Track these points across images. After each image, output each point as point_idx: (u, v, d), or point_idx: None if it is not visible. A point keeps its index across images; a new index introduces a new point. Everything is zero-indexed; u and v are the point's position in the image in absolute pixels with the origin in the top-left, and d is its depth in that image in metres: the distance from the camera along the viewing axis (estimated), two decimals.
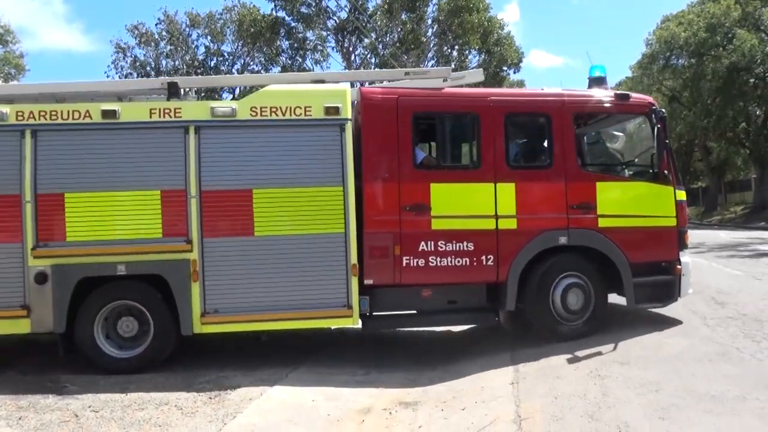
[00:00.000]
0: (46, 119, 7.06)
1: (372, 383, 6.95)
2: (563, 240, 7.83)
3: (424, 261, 7.55)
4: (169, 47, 36.47)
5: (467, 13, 31.49)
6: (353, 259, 7.29)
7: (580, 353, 7.27)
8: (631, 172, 8.79)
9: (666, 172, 8.09)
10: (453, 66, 34.70)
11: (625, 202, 8.03)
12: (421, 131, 8.17)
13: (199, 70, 36.57)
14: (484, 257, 7.67)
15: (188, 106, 7.36)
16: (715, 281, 11.46)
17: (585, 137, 9.02)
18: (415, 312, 7.88)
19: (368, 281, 7.45)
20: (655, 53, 39.02)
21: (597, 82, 8.70)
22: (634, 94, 8.59)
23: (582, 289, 7.88)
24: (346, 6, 33.65)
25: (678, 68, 38.21)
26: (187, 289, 7.12)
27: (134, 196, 7.08)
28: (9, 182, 6.96)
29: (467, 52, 34.66)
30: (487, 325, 8.83)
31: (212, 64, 37.18)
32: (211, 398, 6.41)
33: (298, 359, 7.80)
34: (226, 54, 37.36)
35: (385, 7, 32.66)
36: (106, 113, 7.10)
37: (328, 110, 7.40)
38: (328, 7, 33.97)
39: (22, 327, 6.95)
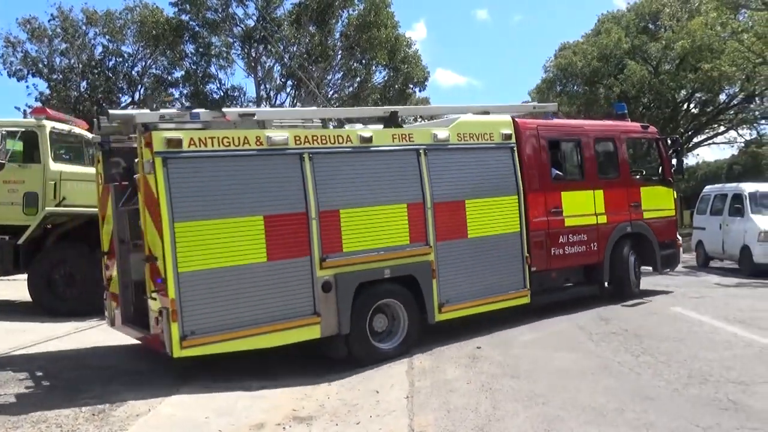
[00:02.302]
0: (318, 143, 7.97)
1: (266, 397, 6.85)
2: (629, 229, 11.43)
3: (561, 250, 10.40)
4: (64, 45, 34.75)
5: (375, 29, 31.80)
6: (526, 251, 9.71)
7: (474, 368, 7.49)
8: (653, 179, 12.39)
9: (670, 178, 12.29)
10: (359, 79, 35.01)
11: (653, 201, 11.87)
12: (551, 153, 10.60)
13: (95, 70, 35.06)
14: (591, 245, 10.83)
15: (417, 132, 8.95)
16: (605, 304, 12.07)
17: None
18: (546, 288, 10.29)
19: (533, 268, 9.85)
20: (552, 79, 40.92)
21: (621, 117, 12.53)
22: (649, 126, 12.70)
23: (639, 261, 11.83)
24: (253, 14, 33.31)
25: (573, 94, 40.21)
26: (430, 285, 8.66)
27: (389, 210, 8.39)
28: (296, 201, 7.72)
29: (374, 67, 35.01)
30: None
31: (110, 65, 35.75)
32: (94, 415, 6.12)
33: (190, 372, 7.58)
34: (126, 55, 36.01)
35: (293, 17, 32.55)
36: (363, 139, 8.31)
37: (504, 136, 9.70)
38: (235, 14, 33.51)
39: (314, 333, 7.73)
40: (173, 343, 6.83)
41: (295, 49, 33.79)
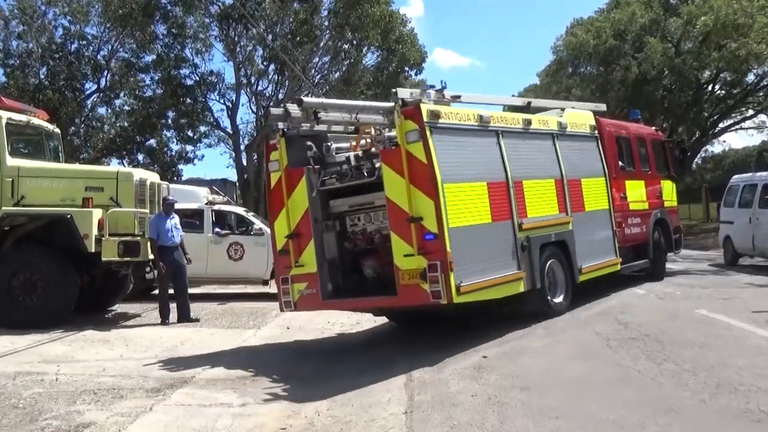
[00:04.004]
0: (506, 124, 10.58)
1: (249, 415, 6.83)
2: (659, 215, 15.10)
3: (629, 230, 13.65)
4: (21, 27, 34.59)
5: (367, 5, 31.56)
6: (615, 226, 12.83)
7: (480, 379, 7.48)
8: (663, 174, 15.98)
9: (673, 174, 16.27)
10: (349, 62, 34.89)
11: (667, 192, 15.79)
12: (617, 147, 13.96)
13: (56, 55, 34.90)
14: (642, 226, 14.29)
15: (550, 120, 11.95)
16: (619, 300, 12.13)
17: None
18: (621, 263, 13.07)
19: (618, 245, 12.93)
20: (563, 60, 40.91)
21: (636, 121, 16.30)
22: (658, 130, 17.71)
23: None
24: None
25: (586, 76, 40.17)
26: (574, 249, 11.27)
27: (545, 183, 11.06)
28: (500, 171, 10.07)
29: (365, 48, 34.91)
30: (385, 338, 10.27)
31: (73, 48, 35.59)
32: None
33: (168, 386, 7.55)
34: (90, 37, 35.86)
35: None
36: (525, 122, 11.05)
37: (592, 128, 12.95)
38: None
39: (519, 287, 9.92)
40: (452, 292, 8.54)
41: (278, 29, 33.70)
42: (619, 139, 14.21)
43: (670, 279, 15.22)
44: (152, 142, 39.05)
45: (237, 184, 39.88)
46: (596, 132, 13.02)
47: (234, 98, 36.06)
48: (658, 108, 38.13)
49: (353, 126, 10.07)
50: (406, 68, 36.00)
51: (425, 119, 8.86)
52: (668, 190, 15.87)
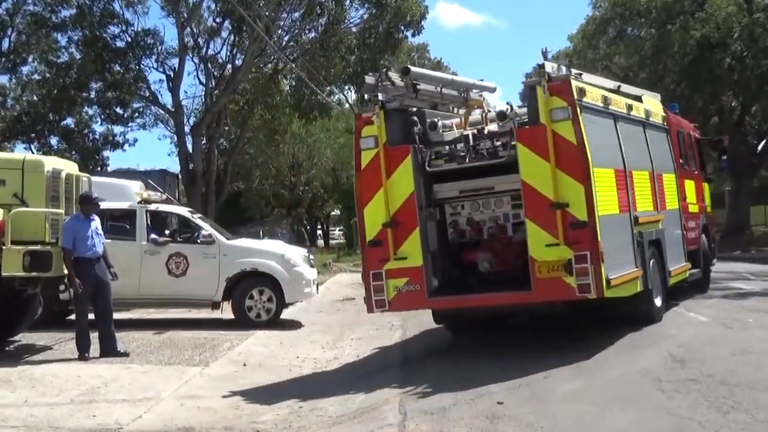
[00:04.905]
0: (618, 108, 12.12)
1: None
2: (704, 220, 16.83)
3: (689, 234, 14.94)
4: None
5: None
6: (684, 228, 14.59)
7: (499, 427, 7.48)
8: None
9: (709, 176, 19.02)
10: (326, 19, 34.82)
11: (707, 195, 17.50)
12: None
13: None
14: (696, 231, 15.76)
15: (640, 106, 13.39)
16: (676, 331, 12.13)
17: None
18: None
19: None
20: (606, 19, 40.90)
21: (675, 114, 16.79)
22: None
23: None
24: None
25: (634, 40, 40.18)
26: (665, 250, 12.93)
27: (643, 175, 12.56)
28: (618, 157, 11.54)
29: (348, 2, 34.83)
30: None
31: None
32: None
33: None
34: None
35: None
36: (627, 106, 12.58)
37: (663, 118, 14.62)
38: None
39: (636, 287, 11.27)
40: (602, 285, 9.87)
41: None
42: (679, 134, 15.70)
43: (741, 301, 15.26)
44: (69, 121, 39.00)
45: (180, 176, 39.81)
46: (666, 123, 14.67)
47: (176, 65, 36.02)
48: (724, 82, 38.18)
49: (436, 102, 11.73)
50: (401, 27, 35.87)
51: (577, 96, 10.22)
52: (708, 193, 18.04)
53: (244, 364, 11.84)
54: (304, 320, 16.99)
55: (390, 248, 10.73)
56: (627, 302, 11.19)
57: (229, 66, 36.88)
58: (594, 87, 11.53)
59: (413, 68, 10.94)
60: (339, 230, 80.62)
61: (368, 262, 11.00)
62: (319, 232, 74.28)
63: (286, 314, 16.46)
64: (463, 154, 10.87)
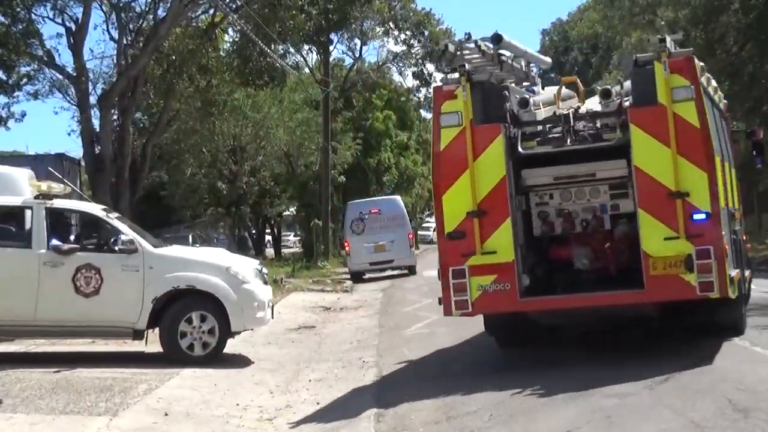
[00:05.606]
0: (712, 92, 13.65)
1: None
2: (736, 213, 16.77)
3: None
4: None
5: None
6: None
7: None
8: None
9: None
10: None
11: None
12: None
13: None
14: (741, 233, 15.86)
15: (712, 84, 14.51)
16: (736, 369, 12.08)
17: None
18: None
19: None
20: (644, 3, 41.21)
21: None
22: None
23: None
24: None
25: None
26: (742, 250, 14.52)
27: (726, 168, 13.58)
28: (717, 146, 12.47)
29: None
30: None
31: None
32: None
33: None
34: None
35: None
36: (714, 88, 14.09)
37: (720, 98, 15.58)
38: None
39: (733, 290, 12.05)
40: (726, 284, 11.30)
41: None
42: (726, 120, 16.83)
43: None
44: None
45: (82, 162, 39.51)
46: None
47: (80, 15, 35.70)
48: None
49: (520, 77, 13.35)
50: None
51: (699, 75, 11.43)
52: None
53: (166, 414, 11.67)
54: (247, 354, 16.89)
55: (476, 241, 11.74)
56: (717, 309, 12.26)
57: (150, 16, 36.68)
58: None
59: (505, 37, 11.77)
60: (294, 236, 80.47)
61: (447, 256, 12.00)
62: (268, 237, 73.83)
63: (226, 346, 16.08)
64: (560, 135, 11.95)
